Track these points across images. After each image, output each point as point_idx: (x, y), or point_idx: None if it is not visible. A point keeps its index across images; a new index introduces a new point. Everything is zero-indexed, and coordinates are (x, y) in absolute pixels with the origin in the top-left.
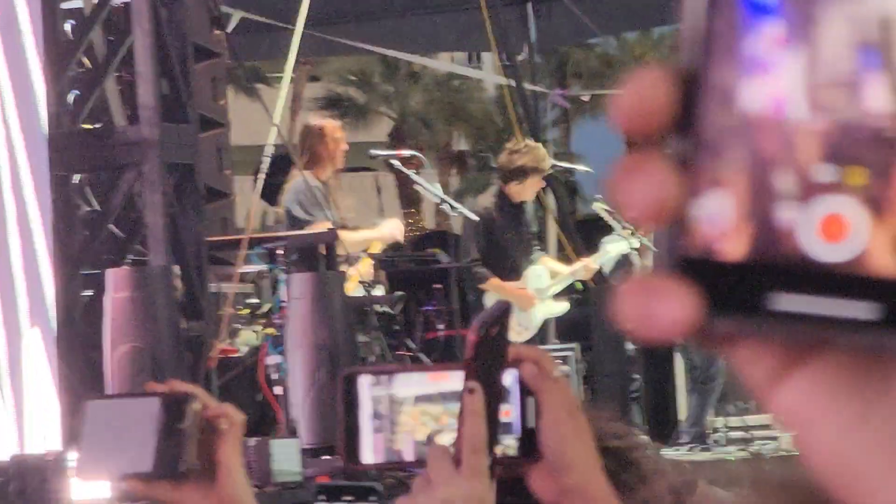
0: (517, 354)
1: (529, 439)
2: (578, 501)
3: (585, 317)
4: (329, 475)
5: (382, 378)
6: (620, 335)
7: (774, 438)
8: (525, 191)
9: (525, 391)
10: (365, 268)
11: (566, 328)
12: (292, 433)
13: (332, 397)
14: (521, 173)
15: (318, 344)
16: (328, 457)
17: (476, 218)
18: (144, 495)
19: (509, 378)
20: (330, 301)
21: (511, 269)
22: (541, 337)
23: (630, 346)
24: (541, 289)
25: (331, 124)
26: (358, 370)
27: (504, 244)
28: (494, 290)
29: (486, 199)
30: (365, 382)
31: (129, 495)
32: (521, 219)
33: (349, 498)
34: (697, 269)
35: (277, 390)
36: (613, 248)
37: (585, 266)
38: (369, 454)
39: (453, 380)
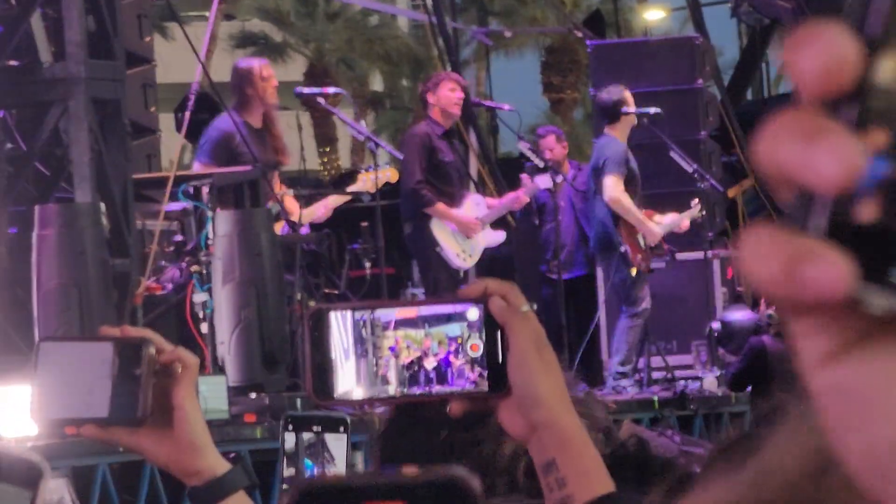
0: (484, 288)
1: (498, 374)
2: (547, 436)
3: (508, 256)
4: (255, 413)
5: (355, 311)
6: (539, 273)
7: (697, 378)
8: (441, 105)
9: (493, 325)
10: (291, 205)
11: (488, 267)
12: (219, 371)
13: (259, 335)
14: (432, 84)
15: (245, 281)
16: (255, 394)
17: (399, 155)
18: (101, 440)
19: (476, 312)
20: (256, 238)
21: (450, 196)
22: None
23: (549, 283)
24: (480, 217)
25: (258, 64)
26: (328, 306)
27: (445, 169)
28: (440, 216)
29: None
30: (334, 316)
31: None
32: (455, 146)
33: (317, 429)
34: (852, 235)
35: (204, 328)
36: (542, 181)
37: (517, 198)
38: (346, 386)
39: (425, 310)
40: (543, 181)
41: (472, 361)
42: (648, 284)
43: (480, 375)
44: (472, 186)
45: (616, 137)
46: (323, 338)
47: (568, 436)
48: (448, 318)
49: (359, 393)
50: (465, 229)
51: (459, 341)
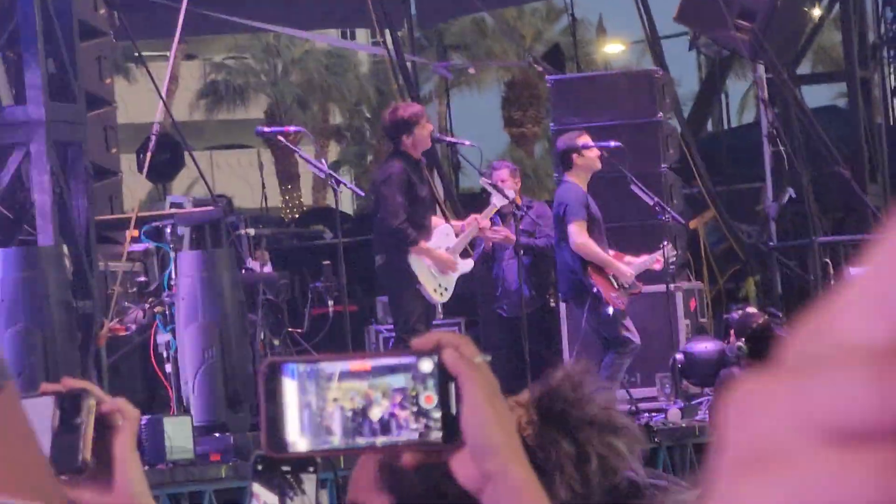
0: (437, 340)
1: (451, 425)
2: (501, 486)
3: (470, 292)
4: (220, 453)
5: (307, 364)
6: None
7: (661, 411)
8: (418, 142)
9: (445, 376)
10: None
11: (450, 303)
12: (184, 411)
13: (223, 375)
14: (405, 126)
15: (208, 322)
16: (219, 434)
17: (361, 193)
18: None
19: (430, 364)
20: (219, 279)
21: (426, 230)
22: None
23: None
24: (450, 248)
25: None
26: (281, 359)
27: (420, 202)
28: (421, 255)
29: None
30: (288, 369)
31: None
32: (424, 175)
33: (287, 468)
34: None
35: (168, 368)
36: (498, 199)
37: (478, 221)
38: (296, 436)
39: (377, 372)
40: (498, 199)
41: (420, 413)
42: (629, 320)
43: (426, 426)
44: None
45: (575, 182)
46: (276, 390)
47: (521, 486)
48: (392, 370)
49: (303, 444)
50: (443, 267)
51: (411, 393)
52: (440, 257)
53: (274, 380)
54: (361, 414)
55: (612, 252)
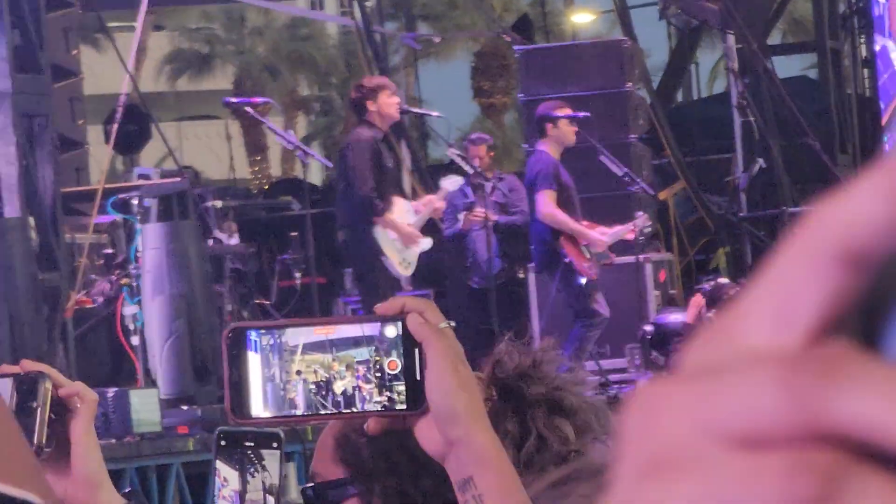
0: (402, 305)
1: (416, 391)
2: (464, 453)
3: (437, 262)
4: (188, 425)
5: (271, 330)
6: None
7: (631, 382)
8: (384, 112)
9: (411, 342)
10: None
11: (419, 273)
12: (151, 384)
13: (190, 347)
14: (371, 92)
15: (175, 294)
16: (186, 407)
17: (329, 164)
18: None
19: (394, 330)
20: (185, 251)
21: (391, 203)
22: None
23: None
24: (411, 223)
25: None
26: (245, 324)
27: (386, 173)
28: (387, 226)
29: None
30: (252, 335)
31: None
32: (390, 148)
33: (250, 444)
34: None
35: (135, 340)
36: (450, 184)
37: (432, 203)
38: (259, 407)
39: (340, 331)
40: (451, 182)
41: (384, 385)
42: (601, 292)
43: (390, 399)
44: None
45: (546, 151)
46: (240, 356)
47: (485, 453)
48: (356, 343)
49: (264, 407)
50: (408, 240)
51: (374, 365)
52: (405, 230)
53: (237, 345)
54: (325, 387)
55: (584, 223)
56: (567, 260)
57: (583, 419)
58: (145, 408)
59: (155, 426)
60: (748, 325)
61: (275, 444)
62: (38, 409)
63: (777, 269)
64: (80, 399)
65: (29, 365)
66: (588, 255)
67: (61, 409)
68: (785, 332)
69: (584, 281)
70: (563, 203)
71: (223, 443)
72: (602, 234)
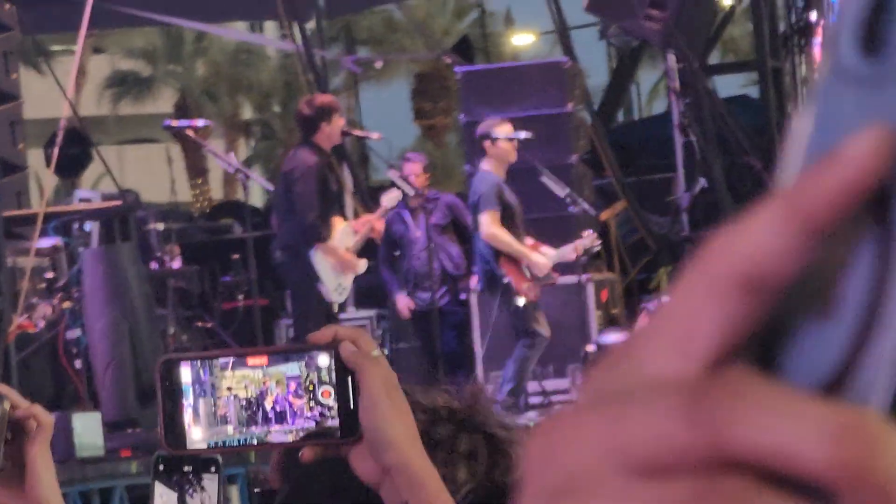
0: (335, 334)
1: (350, 419)
2: (400, 479)
3: (379, 283)
4: (131, 448)
5: (203, 360)
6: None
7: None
8: (333, 135)
9: (344, 371)
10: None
11: (362, 295)
12: (94, 407)
13: (133, 370)
14: (327, 113)
15: (117, 317)
16: (130, 430)
17: (270, 187)
18: None
19: (327, 358)
20: (124, 274)
21: (330, 225)
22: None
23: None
24: (349, 247)
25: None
26: (177, 356)
27: (329, 197)
28: (327, 253)
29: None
30: (184, 366)
31: None
32: (333, 170)
33: (189, 468)
34: None
35: (78, 364)
36: (389, 200)
37: (373, 223)
38: (193, 434)
39: (272, 361)
40: (390, 198)
41: (316, 401)
42: (542, 312)
43: (321, 414)
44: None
45: (490, 171)
46: (173, 388)
47: (420, 478)
48: (286, 358)
49: (199, 434)
50: (345, 267)
51: (305, 381)
52: (343, 257)
53: (170, 377)
54: (256, 403)
55: (529, 241)
56: (506, 280)
57: (482, 464)
58: (88, 431)
59: (98, 450)
60: (651, 352)
61: (213, 469)
62: None
63: (678, 297)
64: (37, 421)
65: None
66: (529, 276)
67: (17, 431)
68: (686, 359)
69: (522, 302)
70: (507, 223)
71: (161, 467)
72: (544, 255)
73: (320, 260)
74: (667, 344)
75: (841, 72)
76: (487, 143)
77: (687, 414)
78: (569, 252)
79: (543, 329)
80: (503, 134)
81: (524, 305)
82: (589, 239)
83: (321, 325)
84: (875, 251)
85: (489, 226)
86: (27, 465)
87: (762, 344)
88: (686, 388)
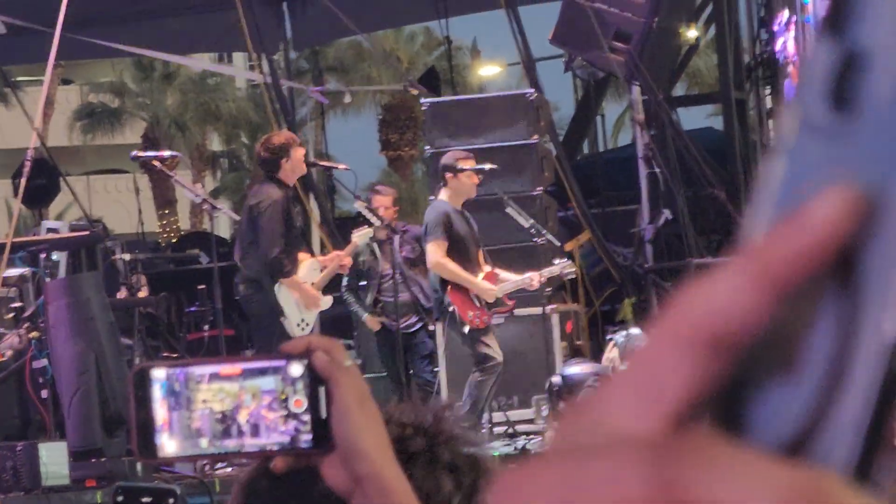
0: (307, 344)
1: (321, 429)
2: (372, 489)
3: (346, 314)
4: (96, 478)
5: (176, 368)
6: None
7: (538, 433)
8: (295, 168)
9: (316, 380)
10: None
11: (328, 326)
12: (61, 437)
13: (99, 399)
14: (283, 150)
15: (82, 347)
16: (95, 459)
17: (237, 217)
18: None
19: (300, 368)
20: (87, 303)
21: (295, 260)
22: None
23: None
24: (315, 283)
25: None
26: (150, 364)
27: (294, 231)
28: (291, 288)
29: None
30: (157, 374)
31: None
32: (297, 203)
33: (148, 499)
34: None
35: (44, 394)
36: (360, 238)
37: (339, 258)
38: (165, 444)
39: (247, 375)
40: (361, 235)
41: (290, 415)
42: (494, 338)
43: (296, 429)
44: (312, 249)
45: (445, 201)
46: (146, 396)
47: (392, 488)
48: (262, 372)
49: (172, 446)
50: (309, 302)
51: (281, 395)
52: (307, 292)
53: (143, 386)
54: (230, 416)
55: (487, 269)
56: (451, 309)
57: (466, 476)
58: (54, 461)
59: (63, 479)
60: (616, 406)
61: (171, 500)
62: None
63: (643, 352)
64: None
65: None
66: (478, 304)
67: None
68: (650, 415)
69: (467, 329)
70: (457, 252)
71: (120, 498)
72: (500, 282)
73: (284, 294)
74: (632, 399)
75: (809, 126)
76: (449, 175)
77: (645, 473)
78: (531, 279)
79: (494, 353)
80: (466, 167)
81: (469, 332)
82: (559, 266)
83: None
84: (838, 313)
85: (433, 255)
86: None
87: (729, 401)
88: (647, 446)
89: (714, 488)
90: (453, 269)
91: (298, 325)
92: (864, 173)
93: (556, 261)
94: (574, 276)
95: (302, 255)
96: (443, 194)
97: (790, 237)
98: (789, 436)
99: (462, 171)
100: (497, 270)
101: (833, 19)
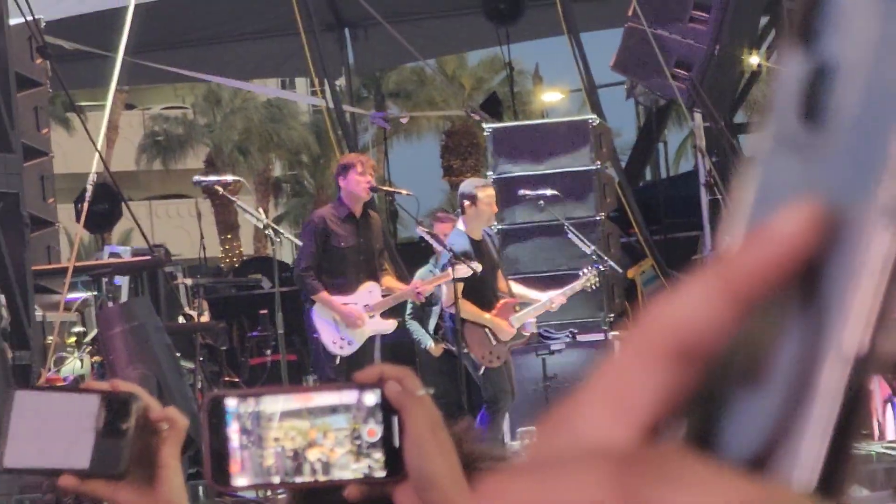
0: (380, 373)
1: (394, 458)
2: None
3: (410, 340)
4: None
5: (249, 399)
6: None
7: None
8: (350, 189)
9: (389, 410)
10: None
11: (390, 351)
12: None
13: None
14: (342, 170)
15: (142, 371)
16: None
17: (300, 243)
18: (78, 491)
19: (373, 397)
20: (142, 327)
21: (342, 283)
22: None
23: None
24: (369, 305)
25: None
26: (224, 393)
27: (339, 254)
28: (323, 304)
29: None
30: (230, 403)
31: (60, 489)
32: (361, 230)
33: None
34: None
35: None
36: (460, 272)
37: (415, 290)
38: (238, 474)
39: (318, 399)
40: (461, 271)
41: (361, 452)
42: (505, 377)
43: (369, 467)
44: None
45: (462, 231)
46: (220, 425)
47: None
48: (333, 410)
49: (244, 480)
50: (348, 320)
51: (353, 432)
52: (342, 310)
53: (216, 414)
54: (302, 454)
55: (506, 297)
56: (465, 350)
57: None
58: None
59: None
60: (586, 417)
61: None
62: (129, 430)
63: (615, 364)
64: (171, 424)
65: (120, 385)
66: (491, 342)
67: (148, 433)
68: (621, 425)
69: (482, 370)
70: (474, 287)
71: None
72: (512, 315)
73: (322, 311)
74: (602, 410)
75: (783, 139)
76: (466, 203)
77: (612, 485)
78: (551, 301)
79: (504, 394)
80: (484, 196)
81: (484, 372)
82: (581, 281)
83: (325, 377)
84: (803, 326)
85: (445, 298)
86: (160, 467)
87: (702, 414)
88: (615, 458)
89: (674, 502)
90: (468, 310)
91: (335, 342)
92: (829, 188)
93: (583, 271)
94: (597, 286)
95: (387, 278)
96: (461, 224)
97: (755, 251)
98: (754, 449)
99: (477, 199)
100: (519, 293)
101: (803, 30)
